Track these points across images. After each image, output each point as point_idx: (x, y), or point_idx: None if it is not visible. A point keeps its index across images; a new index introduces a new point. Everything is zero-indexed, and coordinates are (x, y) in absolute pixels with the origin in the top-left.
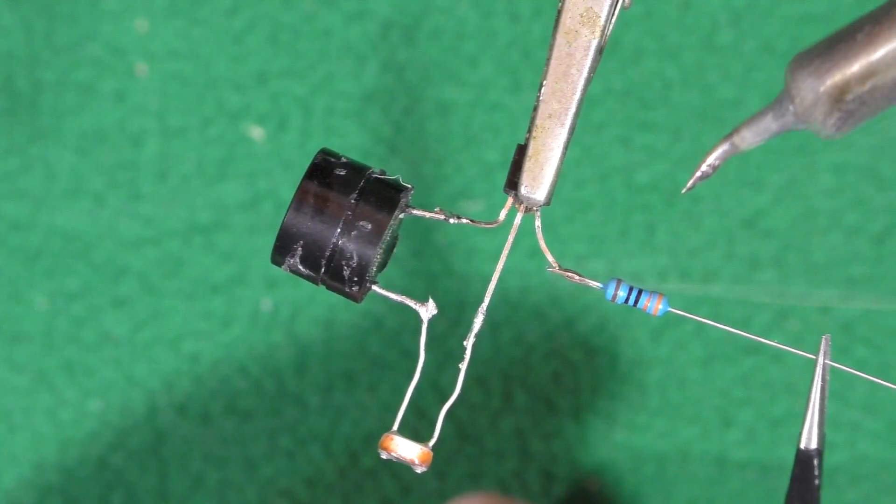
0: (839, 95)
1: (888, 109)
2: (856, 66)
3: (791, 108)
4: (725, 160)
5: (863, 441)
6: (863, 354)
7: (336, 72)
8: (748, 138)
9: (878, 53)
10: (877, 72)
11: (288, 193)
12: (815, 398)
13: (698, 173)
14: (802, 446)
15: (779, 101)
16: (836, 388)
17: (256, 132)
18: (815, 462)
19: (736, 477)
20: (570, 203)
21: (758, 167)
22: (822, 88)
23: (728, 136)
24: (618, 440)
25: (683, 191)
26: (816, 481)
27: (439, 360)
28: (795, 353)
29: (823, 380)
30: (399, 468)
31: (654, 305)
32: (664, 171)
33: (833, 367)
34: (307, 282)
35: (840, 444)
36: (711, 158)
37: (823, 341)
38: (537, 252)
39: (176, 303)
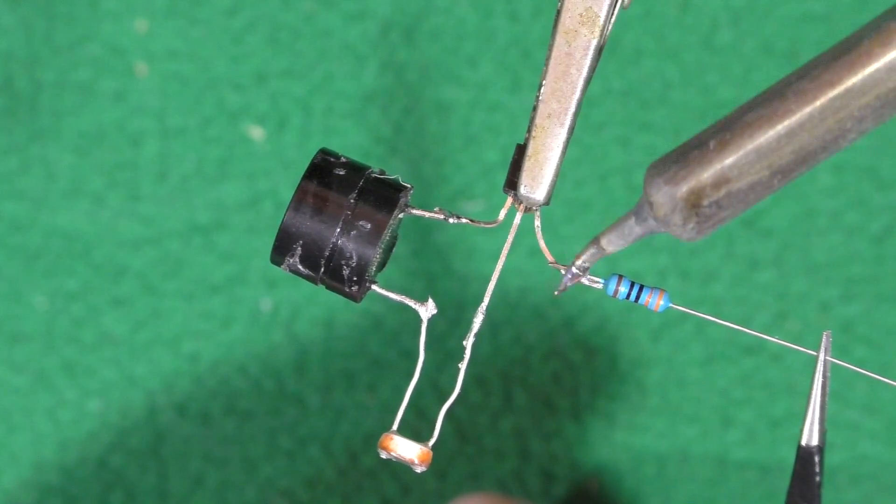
0: (695, 201)
1: (750, 208)
2: (709, 173)
3: (650, 213)
4: (594, 262)
5: (863, 441)
6: (863, 354)
7: (336, 72)
8: (614, 241)
9: (730, 160)
10: (730, 178)
11: (288, 193)
12: (816, 395)
13: (568, 276)
14: (803, 443)
15: (639, 206)
16: (836, 388)
17: (256, 132)
18: (816, 459)
19: (736, 477)
20: (570, 203)
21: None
22: (678, 195)
23: (595, 240)
24: (618, 440)
25: (556, 294)
26: (817, 478)
27: (439, 360)
28: (796, 352)
29: (824, 376)
30: (399, 468)
31: (655, 301)
32: None
33: (834, 364)
34: (307, 281)
35: (840, 444)
36: (580, 261)
37: (824, 337)
38: (537, 252)
39: (176, 303)
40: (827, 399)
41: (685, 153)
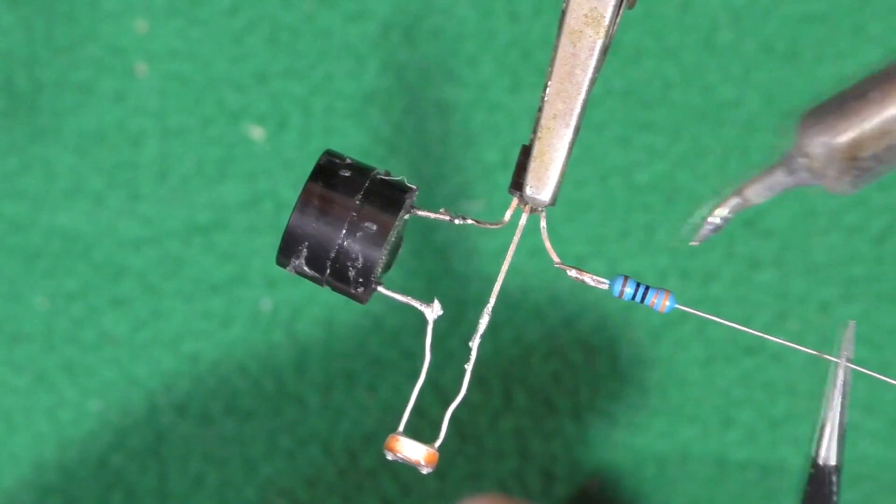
0: (854, 153)
1: None
2: (871, 124)
3: (803, 165)
4: (737, 212)
5: (863, 441)
6: (863, 354)
7: (336, 72)
8: (761, 193)
9: (894, 112)
10: (892, 130)
11: (288, 193)
12: (836, 406)
13: (710, 226)
14: (820, 462)
15: (790, 157)
16: None
17: (256, 132)
18: (834, 479)
19: (736, 477)
20: (570, 203)
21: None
22: (835, 146)
23: (738, 191)
24: (618, 440)
25: (694, 243)
26: (834, 498)
27: (440, 360)
28: (796, 352)
29: (845, 385)
30: (398, 468)
31: (661, 302)
32: (664, 171)
33: (833, 364)
34: (308, 281)
35: None
36: (722, 211)
37: (845, 341)
38: (537, 252)
39: (176, 303)
40: (847, 411)
41: (843, 103)
